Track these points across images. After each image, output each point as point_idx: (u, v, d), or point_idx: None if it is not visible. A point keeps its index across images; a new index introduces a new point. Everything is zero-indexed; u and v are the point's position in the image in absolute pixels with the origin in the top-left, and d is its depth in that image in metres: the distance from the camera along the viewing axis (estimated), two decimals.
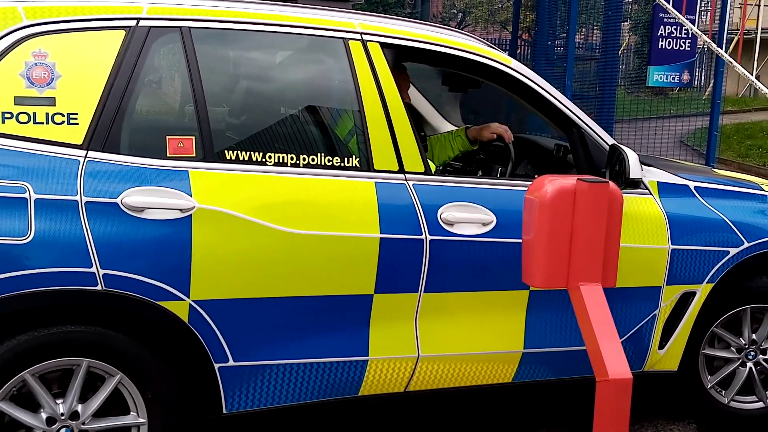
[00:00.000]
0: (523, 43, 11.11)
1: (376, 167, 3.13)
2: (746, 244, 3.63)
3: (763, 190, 3.90)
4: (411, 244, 3.11)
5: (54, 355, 2.73)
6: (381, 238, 3.05)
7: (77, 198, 2.70)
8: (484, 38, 4.46)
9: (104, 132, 2.80)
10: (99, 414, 2.84)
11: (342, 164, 3.09)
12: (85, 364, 2.77)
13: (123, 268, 2.73)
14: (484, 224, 3.21)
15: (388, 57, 3.22)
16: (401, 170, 3.16)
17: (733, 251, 3.61)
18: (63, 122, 2.76)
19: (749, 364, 3.82)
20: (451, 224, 3.16)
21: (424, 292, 3.16)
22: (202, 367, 2.93)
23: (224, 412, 3.00)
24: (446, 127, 4.88)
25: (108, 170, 2.78)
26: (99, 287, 2.71)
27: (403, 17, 3.96)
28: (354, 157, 3.13)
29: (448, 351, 3.27)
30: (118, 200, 2.75)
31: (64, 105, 2.76)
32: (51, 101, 2.75)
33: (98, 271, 2.70)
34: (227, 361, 2.94)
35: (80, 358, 2.76)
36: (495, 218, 3.23)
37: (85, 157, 2.76)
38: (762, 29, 26.10)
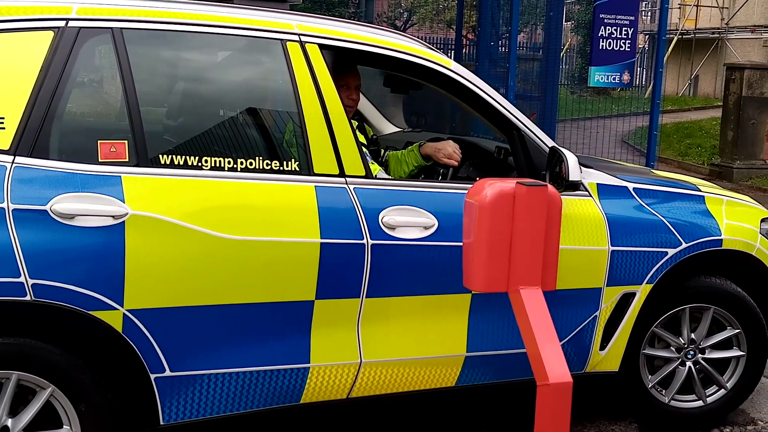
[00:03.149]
0: (468, 43, 11.15)
1: (316, 171, 3.08)
2: (684, 245, 3.67)
3: (700, 191, 3.95)
4: (352, 249, 3.07)
5: None
6: (321, 243, 3.01)
7: (4, 205, 2.61)
8: (430, 37, 4.45)
9: (32, 137, 2.70)
10: (30, 428, 2.74)
11: (281, 168, 3.04)
12: (15, 377, 2.67)
13: (53, 278, 2.65)
14: (426, 228, 3.19)
15: (327, 59, 3.18)
16: (342, 174, 3.12)
17: (671, 252, 3.65)
18: None
19: (688, 363, 3.87)
20: (392, 228, 3.14)
21: (366, 297, 3.12)
22: (137, 378, 2.85)
23: (161, 423, 2.92)
24: (389, 129, 4.87)
25: (36, 176, 2.68)
26: (28, 297, 2.62)
27: (346, 18, 3.92)
28: (293, 160, 3.08)
29: (390, 356, 3.24)
30: (47, 207, 2.66)
31: None
32: None
33: (27, 281, 2.61)
34: (164, 371, 2.86)
35: (9, 371, 2.66)
36: (437, 222, 3.21)
37: (13, 162, 2.67)
38: (698, 30, 26.70)
